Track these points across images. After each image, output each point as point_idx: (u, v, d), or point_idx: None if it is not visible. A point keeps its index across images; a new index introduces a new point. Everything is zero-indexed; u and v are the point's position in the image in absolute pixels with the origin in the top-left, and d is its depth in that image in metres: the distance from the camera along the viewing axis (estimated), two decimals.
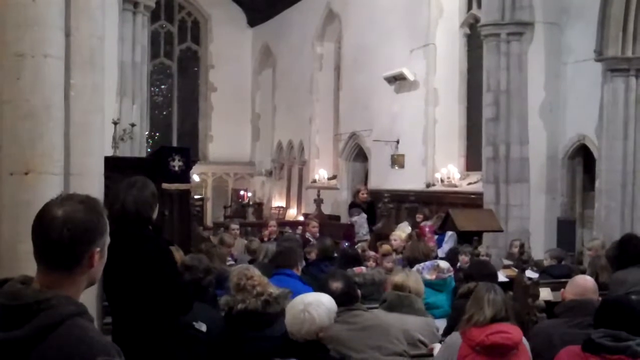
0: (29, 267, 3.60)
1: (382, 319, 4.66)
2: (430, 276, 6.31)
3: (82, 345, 1.92)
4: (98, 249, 2.08)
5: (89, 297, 3.94)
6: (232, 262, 8.48)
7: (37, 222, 2.08)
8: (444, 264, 6.51)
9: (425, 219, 14.32)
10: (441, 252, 11.37)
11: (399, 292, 5.09)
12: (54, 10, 3.80)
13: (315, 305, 3.85)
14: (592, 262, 8.27)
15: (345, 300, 4.49)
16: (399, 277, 5.25)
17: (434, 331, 5.05)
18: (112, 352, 1.95)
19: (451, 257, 8.87)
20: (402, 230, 11.40)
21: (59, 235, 2.02)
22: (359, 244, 11.65)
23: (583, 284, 4.85)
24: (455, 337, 4.30)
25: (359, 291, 4.92)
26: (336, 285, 4.52)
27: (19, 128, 3.68)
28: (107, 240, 2.16)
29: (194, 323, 4.50)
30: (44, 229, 2.05)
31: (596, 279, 7.38)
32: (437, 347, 4.73)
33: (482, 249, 9.86)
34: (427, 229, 13.33)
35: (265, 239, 11.63)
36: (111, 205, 4.04)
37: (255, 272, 4.92)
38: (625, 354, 3.79)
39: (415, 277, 5.35)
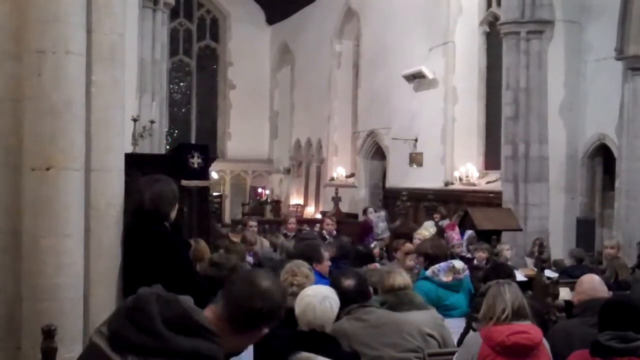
0: (51, 261, 3.66)
1: (394, 316, 4.64)
2: (446, 278, 6.25)
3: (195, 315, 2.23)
4: None
5: (109, 290, 3.97)
6: (252, 261, 8.44)
7: None
8: (458, 264, 6.44)
9: (443, 217, 14.27)
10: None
11: (395, 292, 5.02)
12: (76, 7, 3.82)
13: (331, 298, 3.93)
14: (610, 262, 8.26)
15: (357, 297, 4.50)
16: (389, 279, 5.17)
17: (440, 322, 4.97)
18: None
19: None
20: (426, 230, 11.30)
21: None
22: (375, 243, 11.59)
23: (589, 280, 4.85)
24: (475, 337, 4.27)
25: (370, 288, 4.90)
26: (348, 282, 4.52)
27: (40, 124, 3.70)
28: None
29: None
30: None
31: (616, 278, 7.39)
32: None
33: (503, 246, 9.80)
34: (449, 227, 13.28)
35: (289, 234, 11.67)
36: (131, 198, 4.17)
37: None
38: (636, 354, 3.73)
39: (398, 272, 5.30)
